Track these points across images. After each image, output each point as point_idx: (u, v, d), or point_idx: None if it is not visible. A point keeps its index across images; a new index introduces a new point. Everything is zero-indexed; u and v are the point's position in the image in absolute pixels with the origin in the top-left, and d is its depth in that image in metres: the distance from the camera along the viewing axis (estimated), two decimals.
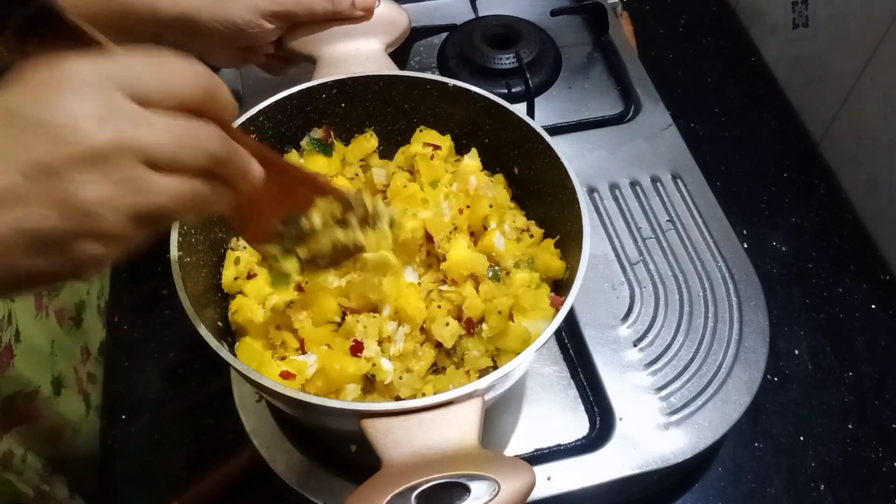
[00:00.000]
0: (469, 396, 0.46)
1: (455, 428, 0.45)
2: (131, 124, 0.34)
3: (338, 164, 0.66)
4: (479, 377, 0.54)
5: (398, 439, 0.44)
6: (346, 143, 0.67)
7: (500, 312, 0.54)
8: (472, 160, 0.65)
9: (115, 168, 0.34)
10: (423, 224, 0.59)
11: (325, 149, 0.65)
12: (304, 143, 0.65)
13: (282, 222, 0.50)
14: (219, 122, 0.38)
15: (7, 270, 0.33)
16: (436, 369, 0.57)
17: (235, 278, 0.59)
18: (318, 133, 0.65)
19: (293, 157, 0.65)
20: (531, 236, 0.62)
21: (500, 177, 0.66)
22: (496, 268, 0.59)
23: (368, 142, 0.67)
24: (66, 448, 0.70)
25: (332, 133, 0.65)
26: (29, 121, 0.33)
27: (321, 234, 0.51)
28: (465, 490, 0.40)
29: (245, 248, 0.60)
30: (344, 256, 0.53)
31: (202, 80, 0.38)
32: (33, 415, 0.65)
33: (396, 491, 0.40)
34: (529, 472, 0.42)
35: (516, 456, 0.63)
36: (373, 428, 0.45)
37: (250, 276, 0.59)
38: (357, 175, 0.66)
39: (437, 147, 0.64)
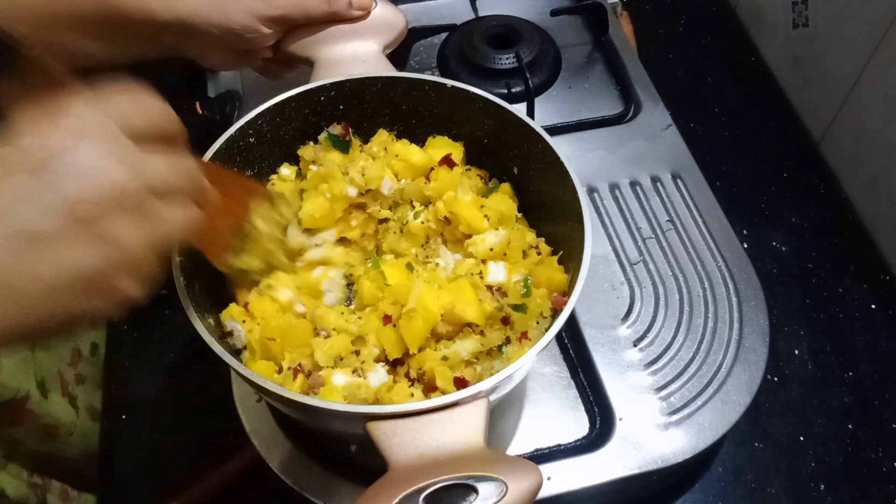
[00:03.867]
0: (474, 398, 0.46)
1: (461, 429, 0.45)
2: (141, 163, 0.37)
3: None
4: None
5: (404, 441, 0.44)
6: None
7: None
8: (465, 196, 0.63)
9: (137, 204, 0.37)
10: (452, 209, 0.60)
11: (343, 145, 0.64)
12: (321, 137, 0.65)
13: (232, 234, 0.54)
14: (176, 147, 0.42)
15: (57, 311, 0.35)
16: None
17: None
18: (336, 129, 0.64)
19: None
20: (539, 253, 0.60)
21: (506, 186, 0.65)
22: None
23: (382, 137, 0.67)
24: (63, 448, 0.70)
25: (350, 130, 0.65)
26: (58, 165, 0.35)
27: (266, 237, 0.57)
28: (473, 491, 0.40)
29: None
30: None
31: (168, 114, 0.41)
32: (26, 416, 0.65)
33: (405, 493, 0.40)
34: (537, 472, 0.42)
35: (518, 456, 0.63)
36: (378, 430, 0.45)
37: None
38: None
39: (452, 164, 0.63)
